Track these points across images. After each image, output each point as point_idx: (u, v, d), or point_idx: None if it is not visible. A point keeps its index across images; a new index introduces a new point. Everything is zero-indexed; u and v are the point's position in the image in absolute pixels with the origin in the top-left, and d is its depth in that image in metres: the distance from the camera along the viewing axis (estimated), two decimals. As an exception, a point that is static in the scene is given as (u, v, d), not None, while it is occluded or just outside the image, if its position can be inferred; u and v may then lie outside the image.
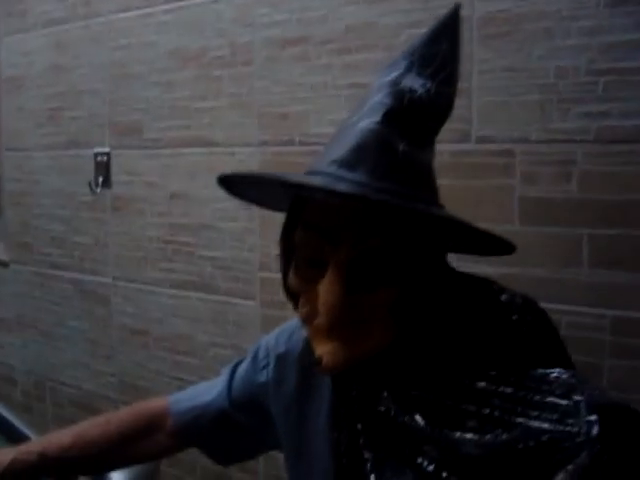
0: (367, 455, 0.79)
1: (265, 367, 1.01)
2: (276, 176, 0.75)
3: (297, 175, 0.74)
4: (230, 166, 1.80)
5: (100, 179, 2.14)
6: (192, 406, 1.05)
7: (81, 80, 2.20)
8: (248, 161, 1.79)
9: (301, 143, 1.69)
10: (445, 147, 1.41)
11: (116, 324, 2.19)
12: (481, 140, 1.42)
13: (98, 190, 2.13)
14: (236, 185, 0.84)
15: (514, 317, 0.77)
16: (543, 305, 0.79)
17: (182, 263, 1.98)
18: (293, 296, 0.80)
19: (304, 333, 0.93)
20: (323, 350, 0.74)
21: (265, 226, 1.77)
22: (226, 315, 1.89)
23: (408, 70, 0.76)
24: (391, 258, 0.72)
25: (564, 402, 0.68)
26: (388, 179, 0.70)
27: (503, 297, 0.80)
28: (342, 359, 0.74)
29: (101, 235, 2.18)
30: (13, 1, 2.40)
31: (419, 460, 0.73)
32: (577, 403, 0.67)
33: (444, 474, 0.71)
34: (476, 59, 1.41)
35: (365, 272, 0.72)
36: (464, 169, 1.44)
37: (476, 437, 0.70)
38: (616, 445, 0.64)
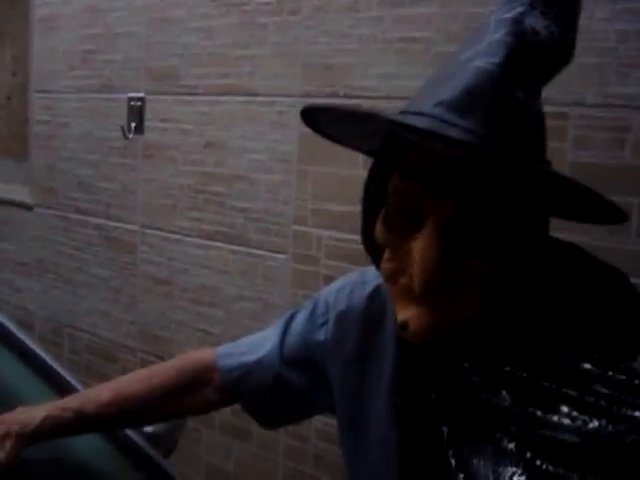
0: (443, 428, 0.74)
1: (324, 324, 0.94)
2: (379, 114, 0.67)
3: (399, 115, 0.65)
4: (269, 117, 1.77)
5: (133, 125, 2.10)
6: (240, 362, 0.97)
7: (117, 22, 2.15)
8: (288, 112, 1.76)
9: (345, 96, 1.65)
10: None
11: (140, 272, 2.17)
12: None
13: (130, 136, 2.10)
14: (318, 119, 0.75)
15: (611, 292, 0.72)
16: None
17: (212, 213, 1.95)
18: (374, 249, 0.73)
19: (369, 288, 0.90)
20: (410, 314, 0.68)
21: (302, 179, 1.73)
22: (255, 268, 1.86)
23: (532, 8, 0.68)
24: (497, 220, 0.65)
25: None
26: (504, 130, 0.63)
27: (595, 266, 0.74)
28: (430, 325, 0.68)
29: (130, 181, 2.16)
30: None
31: (498, 435, 0.69)
32: None
33: (528, 454, 0.67)
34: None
35: (467, 233, 0.65)
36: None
37: (576, 424, 0.65)
38: None
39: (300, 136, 1.70)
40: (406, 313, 0.68)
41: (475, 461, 0.69)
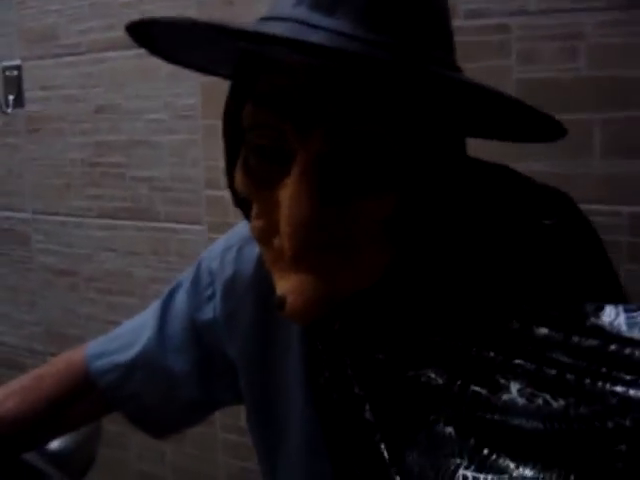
0: (366, 414, 0.58)
1: (211, 298, 0.78)
2: (224, 25, 0.47)
3: (246, 24, 0.50)
4: (164, 69, 1.53)
5: (10, 98, 1.83)
6: (114, 363, 0.80)
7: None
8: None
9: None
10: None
11: (38, 265, 1.90)
12: (470, 14, 1.19)
13: (9, 110, 1.83)
14: (159, 41, 0.57)
15: (547, 222, 0.56)
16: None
17: (112, 188, 1.70)
18: (244, 203, 0.58)
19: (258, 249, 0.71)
20: (288, 287, 0.52)
21: (210, 136, 1.51)
22: (168, 244, 1.64)
23: None
24: (386, 150, 0.50)
25: None
26: (384, 28, 0.48)
27: (529, 191, 0.59)
28: (315, 299, 0.52)
29: (14, 163, 1.89)
30: None
31: (432, 418, 0.53)
32: None
33: (472, 440, 0.51)
34: None
35: (349, 169, 0.50)
36: (450, 49, 1.22)
37: (534, 405, 0.49)
38: None
39: (202, 87, 1.48)
40: (284, 285, 0.52)
41: (409, 453, 0.54)
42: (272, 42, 0.45)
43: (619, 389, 0.46)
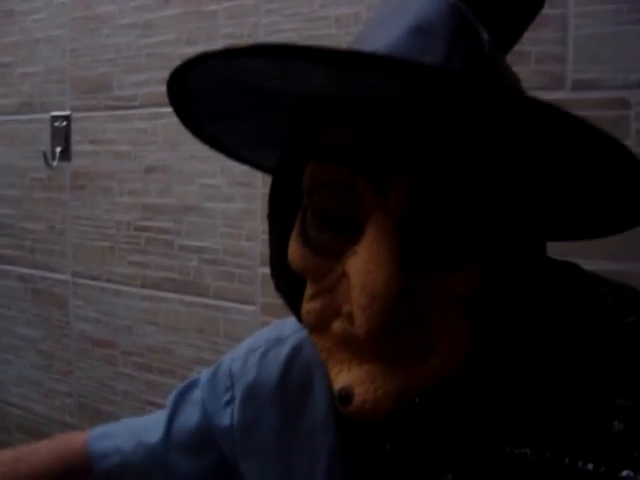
0: None
1: (229, 404, 0.71)
2: (287, 46, 0.37)
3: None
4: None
5: (57, 150, 1.69)
6: (116, 447, 0.75)
7: (36, 27, 1.76)
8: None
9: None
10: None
11: (75, 332, 1.75)
12: (580, 85, 1.01)
13: (55, 163, 1.70)
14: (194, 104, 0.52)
15: (626, 320, 0.49)
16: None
17: (159, 256, 1.54)
18: (291, 285, 0.50)
19: (287, 348, 0.68)
20: (354, 377, 0.43)
21: (270, 207, 1.34)
22: (215, 323, 1.46)
23: None
24: (477, 215, 0.43)
25: None
26: (473, 67, 0.44)
27: (606, 290, 0.52)
28: (390, 391, 0.43)
29: (57, 220, 1.75)
30: None
31: None
32: None
33: None
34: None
35: (433, 237, 0.43)
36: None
37: None
38: None
39: (265, 151, 1.32)
40: (348, 376, 0.44)
41: None
42: (369, 64, 0.35)
43: None
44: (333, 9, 1.23)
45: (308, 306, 0.48)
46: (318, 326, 0.47)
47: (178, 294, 1.52)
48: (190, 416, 0.74)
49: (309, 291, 0.48)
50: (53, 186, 1.74)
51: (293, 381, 0.67)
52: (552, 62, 1.03)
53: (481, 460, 0.48)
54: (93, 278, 1.68)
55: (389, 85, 0.38)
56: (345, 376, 0.45)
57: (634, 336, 0.48)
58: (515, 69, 0.84)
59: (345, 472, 0.58)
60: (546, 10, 1.01)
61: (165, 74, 0.47)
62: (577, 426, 0.45)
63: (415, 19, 0.44)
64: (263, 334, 0.74)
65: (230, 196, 1.40)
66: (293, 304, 0.52)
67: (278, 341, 0.70)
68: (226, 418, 0.71)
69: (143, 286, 1.58)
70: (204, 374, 0.76)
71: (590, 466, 0.43)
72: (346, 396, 0.43)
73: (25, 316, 1.86)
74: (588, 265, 0.58)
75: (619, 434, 0.44)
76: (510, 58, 0.96)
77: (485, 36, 0.46)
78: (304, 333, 0.66)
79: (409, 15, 0.45)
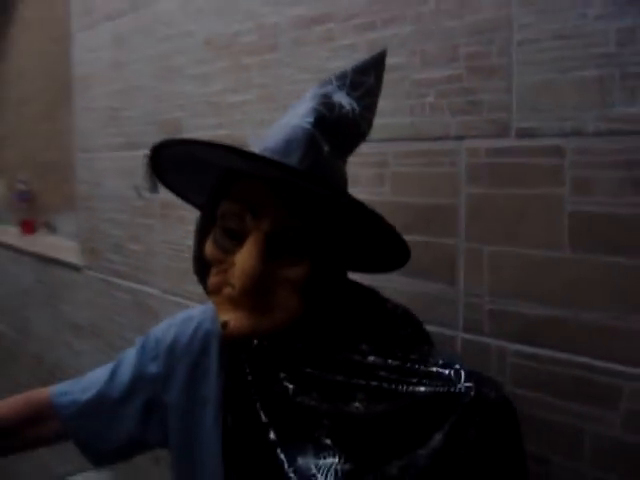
0: (271, 435, 0.83)
1: (155, 358, 1.02)
2: (226, 146, 0.71)
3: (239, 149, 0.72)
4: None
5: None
6: (74, 401, 1.03)
7: (134, 75, 2.05)
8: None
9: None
10: (477, 143, 1.09)
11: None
12: (523, 133, 1.05)
13: (147, 195, 1.96)
14: (162, 161, 0.86)
15: (397, 321, 0.88)
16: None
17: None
18: (203, 269, 0.82)
19: (195, 322, 1.01)
20: (229, 316, 0.77)
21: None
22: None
23: (339, 89, 0.86)
24: (307, 238, 0.78)
25: (446, 371, 0.79)
26: (314, 171, 0.76)
27: (388, 305, 0.90)
28: (248, 326, 0.77)
29: (152, 243, 2.02)
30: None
31: (317, 434, 0.80)
32: (457, 371, 0.79)
33: (342, 446, 0.79)
34: (516, 25, 1.05)
35: (283, 246, 0.77)
36: (499, 172, 1.08)
37: (363, 406, 0.79)
38: (486, 407, 0.76)
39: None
40: (227, 315, 0.77)
41: (300, 459, 0.80)
42: (258, 160, 0.71)
43: (411, 389, 0.79)
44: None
45: (212, 280, 0.80)
46: (216, 290, 0.79)
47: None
48: (127, 371, 1.03)
49: (213, 271, 0.80)
50: (148, 213, 2.02)
51: (196, 342, 0.99)
52: (500, 110, 1.06)
53: (300, 375, 0.83)
54: (176, 294, 1.93)
55: (265, 170, 0.72)
56: (225, 315, 0.77)
57: (399, 325, 0.88)
58: (470, 118, 1.11)
59: (224, 394, 0.91)
60: (494, 59, 1.06)
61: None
62: (342, 357, 0.83)
63: (288, 134, 0.78)
64: (179, 315, 1.06)
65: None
66: (203, 280, 0.83)
67: (189, 319, 1.03)
68: (153, 367, 1.01)
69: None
70: (137, 341, 1.07)
71: (339, 377, 0.82)
72: (225, 324, 0.76)
73: (131, 324, 2.16)
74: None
75: (360, 362, 0.82)
76: (465, 108, 1.16)
77: (326, 148, 0.80)
78: (205, 315, 1.01)
79: (285, 130, 0.79)
